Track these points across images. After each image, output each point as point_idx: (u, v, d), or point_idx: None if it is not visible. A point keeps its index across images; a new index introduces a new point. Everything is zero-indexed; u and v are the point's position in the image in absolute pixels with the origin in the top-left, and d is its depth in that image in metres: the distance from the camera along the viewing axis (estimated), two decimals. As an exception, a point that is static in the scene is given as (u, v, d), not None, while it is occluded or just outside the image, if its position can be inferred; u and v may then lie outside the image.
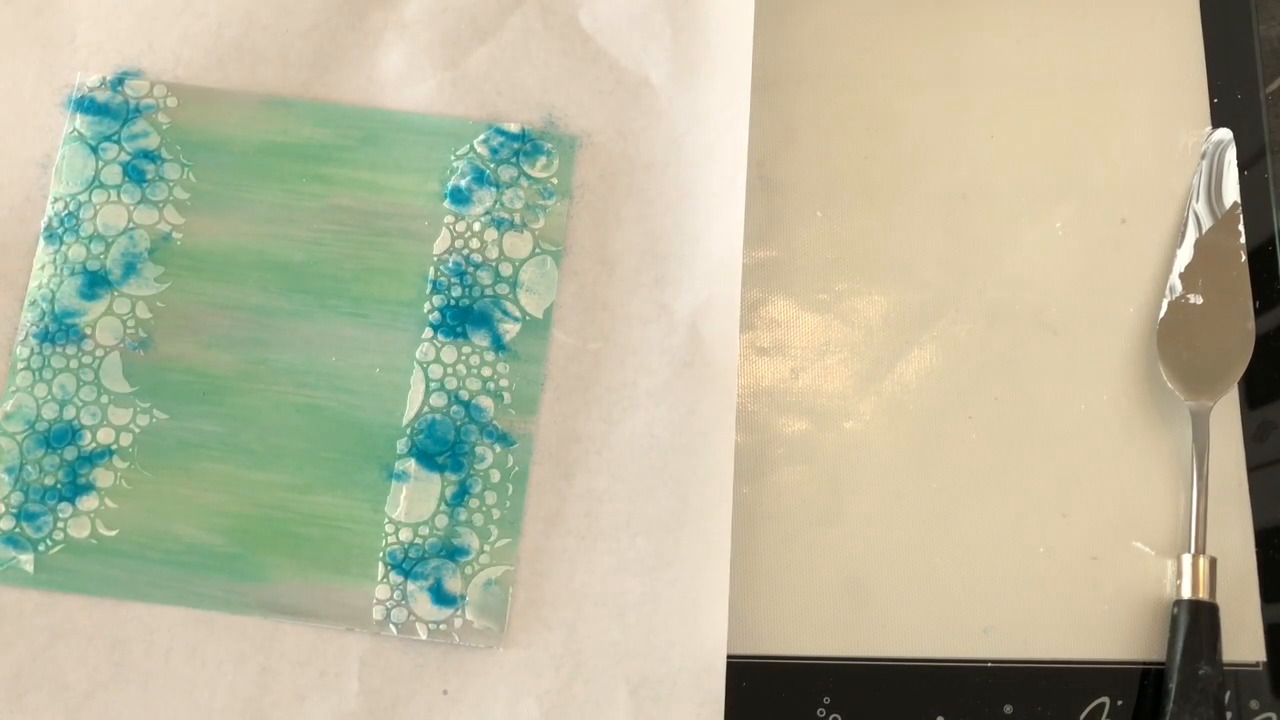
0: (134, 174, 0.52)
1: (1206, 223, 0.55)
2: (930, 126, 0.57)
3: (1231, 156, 0.56)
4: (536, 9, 0.55)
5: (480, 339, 0.52)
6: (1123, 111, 0.58)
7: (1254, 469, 0.53)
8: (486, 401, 0.51)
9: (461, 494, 0.50)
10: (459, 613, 0.49)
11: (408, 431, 0.50)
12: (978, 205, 0.56)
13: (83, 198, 0.52)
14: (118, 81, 0.54)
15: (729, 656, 0.49)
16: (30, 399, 0.50)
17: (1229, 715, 0.50)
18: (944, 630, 0.51)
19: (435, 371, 0.51)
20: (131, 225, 0.52)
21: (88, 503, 0.49)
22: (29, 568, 0.48)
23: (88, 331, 0.51)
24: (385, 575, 0.49)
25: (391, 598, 0.49)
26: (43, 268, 0.51)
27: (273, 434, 0.50)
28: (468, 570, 0.49)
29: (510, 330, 0.52)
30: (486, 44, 0.55)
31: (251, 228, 0.52)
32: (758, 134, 0.55)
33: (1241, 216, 0.55)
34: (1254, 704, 0.50)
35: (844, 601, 0.51)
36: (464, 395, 0.51)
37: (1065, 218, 0.56)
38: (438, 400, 0.51)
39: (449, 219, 0.53)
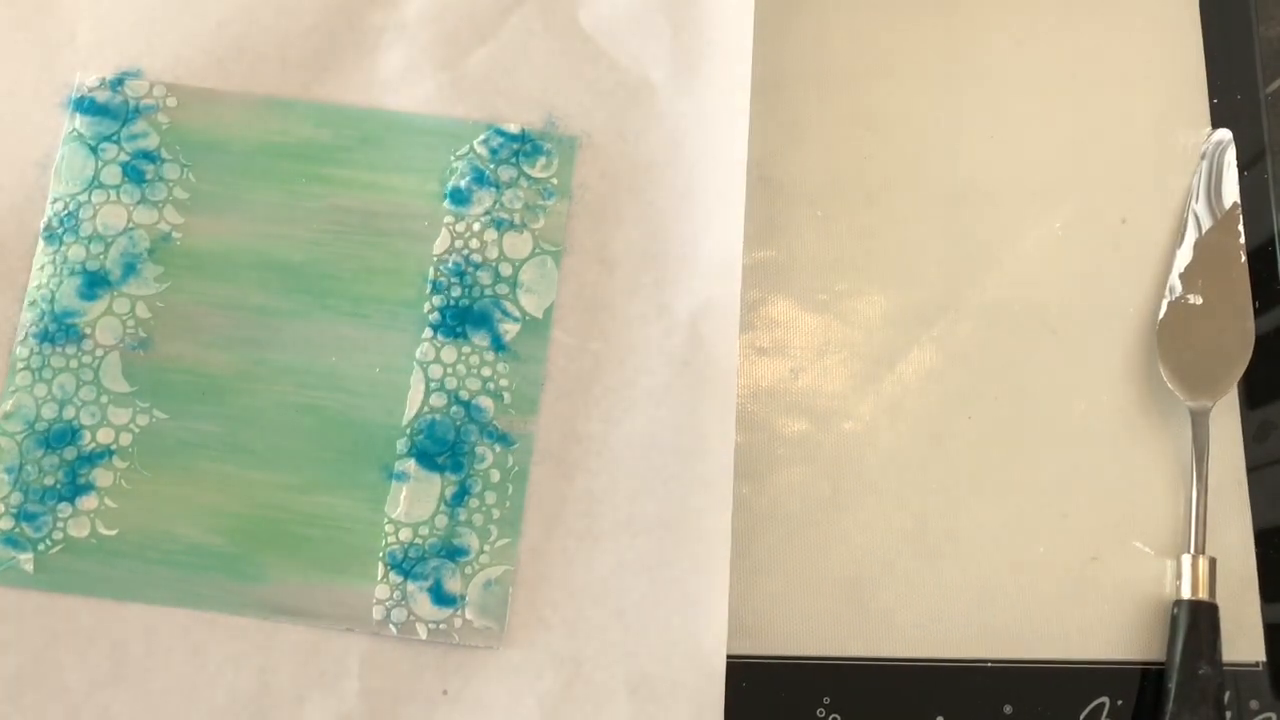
0: (133, 174, 0.52)
1: (1206, 223, 0.55)
2: (930, 126, 0.57)
3: (1231, 157, 0.56)
4: (536, 9, 0.55)
5: (480, 339, 0.51)
6: (1123, 111, 0.58)
7: (1254, 469, 0.53)
8: (486, 401, 0.51)
9: (461, 494, 0.50)
10: (459, 613, 0.49)
11: (408, 431, 0.50)
12: (978, 205, 0.56)
13: (82, 198, 0.52)
14: (117, 81, 0.53)
15: (729, 656, 0.49)
16: (30, 399, 0.50)
17: (1229, 715, 0.50)
18: (944, 630, 0.51)
19: (435, 371, 0.51)
20: (131, 225, 0.52)
21: (87, 503, 0.49)
22: (29, 568, 0.48)
23: (87, 331, 0.51)
24: (385, 575, 0.49)
25: (391, 598, 0.49)
26: (42, 268, 0.51)
27: (273, 434, 0.50)
28: (468, 570, 0.49)
29: (510, 330, 0.52)
30: (486, 44, 0.55)
31: (251, 228, 0.52)
32: (758, 134, 0.55)
33: (1241, 216, 0.55)
34: (1254, 704, 0.50)
35: (844, 601, 0.51)
36: (464, 395, 0.51)
37: (1065, 218, 0.56)
38: (438, 400, 0.51)
39: (449, 219, 0.53)
